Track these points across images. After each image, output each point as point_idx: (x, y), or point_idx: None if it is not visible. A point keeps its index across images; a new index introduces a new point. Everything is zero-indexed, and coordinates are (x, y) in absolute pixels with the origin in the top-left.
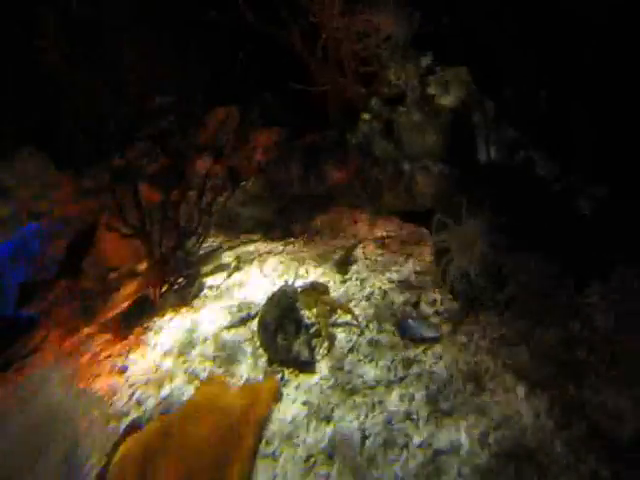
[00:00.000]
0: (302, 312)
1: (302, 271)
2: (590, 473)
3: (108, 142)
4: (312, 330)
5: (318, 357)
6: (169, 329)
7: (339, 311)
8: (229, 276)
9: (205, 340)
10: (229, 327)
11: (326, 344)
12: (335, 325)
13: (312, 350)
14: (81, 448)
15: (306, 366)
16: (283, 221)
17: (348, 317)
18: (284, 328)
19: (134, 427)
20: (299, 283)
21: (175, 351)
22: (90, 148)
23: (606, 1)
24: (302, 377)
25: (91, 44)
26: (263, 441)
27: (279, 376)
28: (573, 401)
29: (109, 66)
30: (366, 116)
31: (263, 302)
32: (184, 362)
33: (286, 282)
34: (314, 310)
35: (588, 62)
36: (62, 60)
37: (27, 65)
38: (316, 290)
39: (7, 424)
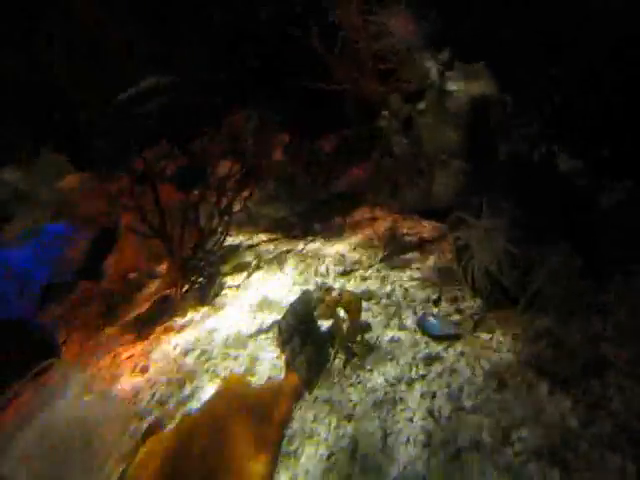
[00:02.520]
0: (320, 321)
1: (323, 269)
2: (616, 470)
3: (127, 142)
4: (326, 341)
5: (336, 363)
6: (190, 329)
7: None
8: (250, 275)
9: (226, 339)
10: (250, 327)
11: (341, 356)
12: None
13: (312, 369)
14: (102, 451)
15: (305, 384)
16: (303, 219)
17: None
18: (292, 339)
19: (155, 427)
20: (326, 285)
21: (196, 350)
22: (110, 149)
23: None
24: (323, 376)
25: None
26: (285, 439)
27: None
28: (597, 399)
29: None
30: (385, 114)
31: (284, 300)
32: (205, 361)
33: (316, 283)
34: (332, 318)
35: (611, 54)
36: (76, 62)
37: (45, 69)
38: (343, 297)
39: (27, 428)
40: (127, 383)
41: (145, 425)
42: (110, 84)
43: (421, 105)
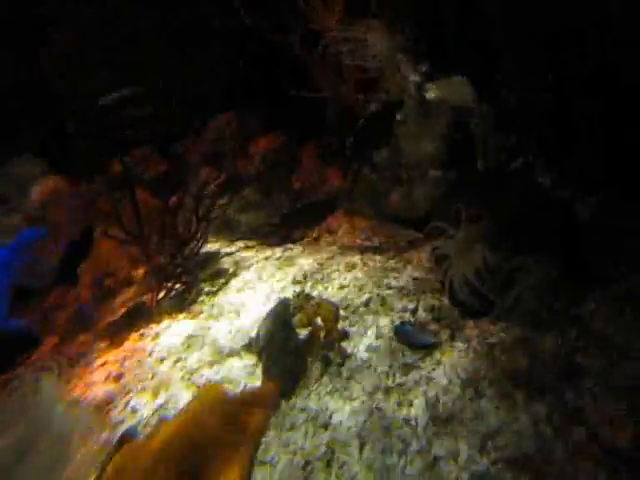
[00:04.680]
0: (297, 329)
1: (300, 277)
2: (589, 478)
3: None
4: (303, 350)
5: (315, 370)
6: (166, 335)
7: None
8: (227, 282)
9: (202, 346)
10: (227, 335)
11: (318, 364)
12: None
13: (288, 377)
14: (72, 461)
15: (281, 393)
16: (281, 227)
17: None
18: (269, 347)
19: (128, 436)
20: (304, 293)
21: (172, 357)
22: (88, 153)
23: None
24: (300, 384)
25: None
26: (261, 448)
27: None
28: (572, 407)
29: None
30: (364, 122)
31: (261, 308)
32: (181, 369)
33: (294, 291)
34: (309, 327)
35: (591, 67)
36: (64, 66)
37: (27, 71)
38: (321, 306)
39: None
40: (100, 391)
41: (118, 434)
42: (99, 88)
43: (401, 115)
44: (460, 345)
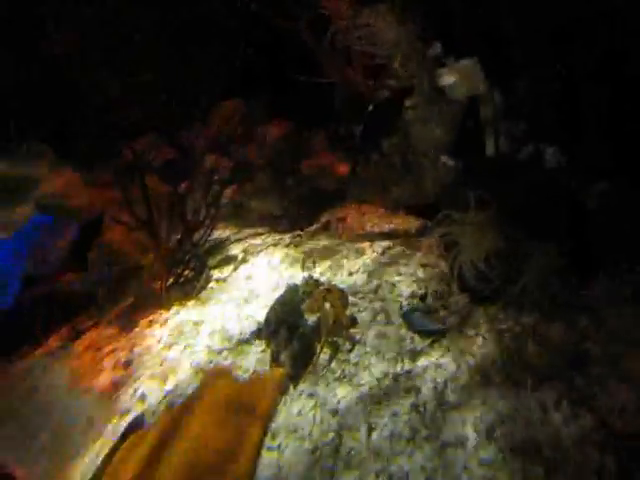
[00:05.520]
0: (306, 315)
1: (309, 263)
2: (597, 466)
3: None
4: (312, 335)
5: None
6: (175, 322)
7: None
8: (236, 268)
9: (212, 333)
10: (236, 321)
11: (327, 350)
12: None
13: (297, 363)
14: (81, 448)
15: (290, 379)
16: (290, 214)
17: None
18: (278, 333)
19: (137, 424)
20: (314, 279)
21: (181, 344)
22: (97, 140)
23: None
24: (308, 370)
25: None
26: (269, 434)
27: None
28: (580, 395)
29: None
30: (374, 109)
31: (270, 294)
32: (190, 355)
33: (303, 277)
34: (318, 313)
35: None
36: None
37: (32, 58)
38: (330, 292)
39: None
40: (109, 378)
41: (126, 422)
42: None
43: (411, 101)
44: (469, 332)
